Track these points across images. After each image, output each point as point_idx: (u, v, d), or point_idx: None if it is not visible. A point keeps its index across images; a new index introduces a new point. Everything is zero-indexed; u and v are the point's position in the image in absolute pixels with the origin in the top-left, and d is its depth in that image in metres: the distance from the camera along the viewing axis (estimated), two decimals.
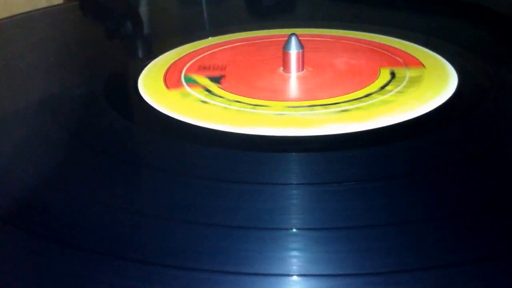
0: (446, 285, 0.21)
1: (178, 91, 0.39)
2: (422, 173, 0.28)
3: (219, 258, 0.22)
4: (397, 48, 0.47)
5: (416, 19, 0.59)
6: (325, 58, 0.45)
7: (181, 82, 0.41)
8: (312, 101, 0.37)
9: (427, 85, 0.37)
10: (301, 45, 0.42)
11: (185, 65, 0.45)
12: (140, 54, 0.53)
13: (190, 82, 0.41)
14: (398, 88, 0.36)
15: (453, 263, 0.22)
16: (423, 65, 0.39)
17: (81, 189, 0.28)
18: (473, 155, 0.30)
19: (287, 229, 0.24)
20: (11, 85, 0.43)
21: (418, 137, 0.32)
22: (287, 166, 0.30)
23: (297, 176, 0.29)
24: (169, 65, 0.45)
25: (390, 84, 0.38)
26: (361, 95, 0.37)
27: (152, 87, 0.41)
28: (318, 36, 0.51)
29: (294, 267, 0.22)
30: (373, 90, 0.37)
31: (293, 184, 0.28)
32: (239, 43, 0.50)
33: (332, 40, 0.49)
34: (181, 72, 0.43)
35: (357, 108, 0.35)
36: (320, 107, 0.36)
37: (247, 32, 0.54)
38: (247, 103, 0.37)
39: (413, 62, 0.40)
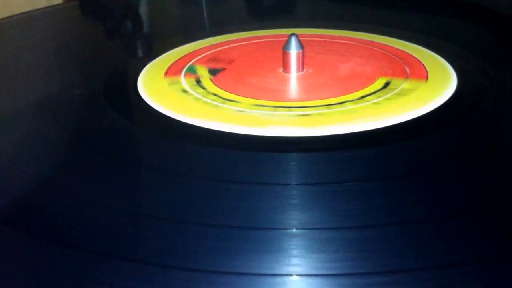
0: (446, 285, 0.21)
1: (170, 79, 0.40)
2: (422, 174, 0.28)
3: (219, 258, 0.22)
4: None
5: (416, 19, 0.59)
6: (332, 61, 0.44)
7: (181, 71, 0.42)
8: (281, 102, 0.37)
9: (413, 98, 0.35)
10: (301, 45, 0.42)
11: (197, 56, 0.46)
12: (140, 54, 0.53)
13: (190, 71, 0.42)
14: (378, 99, 0.36)
15: (453, 263, 0.22)
16: (426, 77, 0.38)
17: (81, 189, 0.28)
18: (473, 155, 0.30)
19: (287, 229, 0.24)
20: (11, 85, 0.43)
21: (418, 137, 0.32)
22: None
23: (289, 176, 0.29)
24: (182, 55, 0.46)
25: (375, 94, 0.37)
26: (336, 102, 0.36)
27: (152, 87, 0.41)
28: (330, 37, 0.51)
29: (294, 267, 0.22)
30: (352, 98, 0.37)
31: (289, 184, 0.28)
32: (252, 41, 0.50)
33: (345, 42, 0.49)
34: (189, 61, 0.44)
35: (319, 114, 0.34)
36: (285, 108, 0.36)
37: (248, 32, 0.54)
38: (221, 97, 0.38)
39: (416, 73, 0.39)
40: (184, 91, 0.38)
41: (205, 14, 0.66)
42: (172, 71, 0.42)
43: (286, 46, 0.42)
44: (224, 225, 0.24)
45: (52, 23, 0.62)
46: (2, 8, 0.71)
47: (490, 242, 0.23)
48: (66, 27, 0.61)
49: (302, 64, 0.42)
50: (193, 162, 0.31)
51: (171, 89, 0.40)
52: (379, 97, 0.36)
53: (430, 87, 0.37)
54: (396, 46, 0.47)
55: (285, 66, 0.42)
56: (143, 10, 0.68)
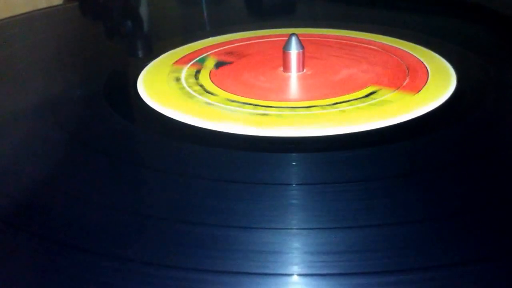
0: (447, 285, 0.21)
1: (175, 67, 0.41)
2: (421, 174, 0.28)
3: (219, 258, 0.22)
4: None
5: (416, 19, 0.59)
6: (338, 63, 0.44)
7: (190, 60, 0.44)
8: (255, 100, 0.37)
9: (385, 110, 0.34)
10: (301, 45, 0.42)
11: (217, 48, 0.48)
12: (140, 54, 0.53)
13: (199, 61, 0.44)
14: (349, 107, 0.35)
15: (452, 263, 0.22)
16: (419, 89, 0.38)
17: (81, 189, 0.28)
18: (472, 155, 0.30)
19: (287, 229, 0.24)
20: (11, 85, 0.43)
21: (417, 137, 0.32)
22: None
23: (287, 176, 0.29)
24: (205, 46, 0.49)
25: (352, 101, 0.36)
26: (306, 105, 0.36)
27: (152, 87, 0.41)
28: (348, 39, 0.50)
29: (294, 267, 0.22)
30: (322, 104, 0.36)
31: (285, 184, 0.28)
32: (271, 39, 0.51)
33: (360, 44, 0.49)
34: (206, 52, 0.46)
35: (277, 115, 0.35)
36: (252, 106, 0.36)
37: (249, 31, 0.54)
38: (203, 90, 0.39)
39: (413, 83, 0.39)
40: (177, 80, 0.40)
41: (205, 14, 0.66)
42: (184, 60, 0.43)
43: (286, 46, 0.42)
44: (224, 225, 0.24)
45: (52, 24, 0.62)
46: (2, 8, 0.71)
47: (490, 242, 0.23)
48: (66, 28, 0.61)
49: (302, 64, 0.42)
50: (193, 162, 0.31)
51: (171, 89, 0.40)
52: (353, 105, 0.35)
53: (415, 99, 0.36)
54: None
55: (285, 66, 0.42)
56: (143, 10, 0.68)
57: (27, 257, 0.23)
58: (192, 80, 0.42)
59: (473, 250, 0.22)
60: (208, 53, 0.47)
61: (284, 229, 0.24)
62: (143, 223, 0.25)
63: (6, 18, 0.61)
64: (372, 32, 0.52)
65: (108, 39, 0.58)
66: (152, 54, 0.49)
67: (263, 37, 0.52)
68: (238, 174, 0.29)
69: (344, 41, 0.48)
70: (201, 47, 0.49)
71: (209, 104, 0.37)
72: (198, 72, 0.43)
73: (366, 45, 0.48)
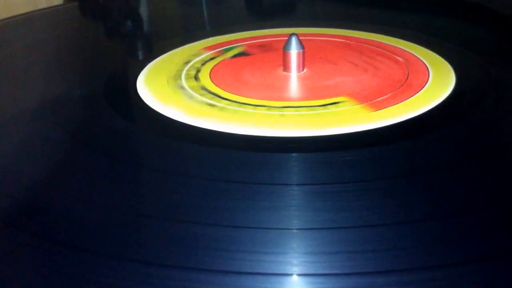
0: (446, 285, 0.21)
1: (198, 53, 0.45)
2: (420, 174, 0.28)
3: (219, 258, 0.22)
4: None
5: (416, 19, 0.59)
6: (341, 68, 0.44)
7: (219, 47, 0.46)
8: (233, 96, 0.38)
9: (323, 119, 0.34)
10: (301, 45, 0.42)
11: (256, 40, 0.49)
12: (140, 54, 0.53)
13: (225, 50, 0.46)
14: (294, 113, 0.36)
15: (452, 263, 0.22)
16: (414, 93, 0.37)
17: (81, 189, 0.28)
18: (472, 155, 0.30)
19: (287, 229, 0.24)
20: (11, 85, 0.43)
21: (417, 137, 0.32)
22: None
23: (290, 177, 0.29)
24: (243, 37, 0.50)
25: (304, 107, 0.36)
26: (280, 105, 0.37)
27: (152, 87, 0.41)
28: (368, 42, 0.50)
29: (294, 267, 0.22)
30: (277, 105, 0.37)
31: (290, 184, 0.28)
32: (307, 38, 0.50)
33: (374, 48, 0.48)
34: (240, 42, 0.48)
35: (233, 110, 0.36)
36: (227, 101, 0.38)
37: (251, 31, 0.54)
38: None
39: (401, 93, 0.38)
40: (178, 70, 0.42)
41: (205, 14, 0.66)
42: (213, 47, 0.45)
43: (286, 46, 0.42)
44: (224, 225, 0.24)
45: (52, 24, 0.62)
46: (2, 8, 0.71)
47: (490, 242, 0.23)
48: (66, 28, 0.61)
49: (302, 64, 0.42)
50: (193, 162, 0.31)
51: (171, 89, 0.40)
52: (299, 111, 0.36)
53: (372, 115, 0.35)
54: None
55: (285, 66, 0.42)
56: (143, 10, 0.68)
57: (27, 257, 0.23)
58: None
59: (473, 250, 0.22)
60: (242, 43, 0.48)
61: (284, 229, 0.24)
62: (143, 223, 0.25)
63: (6, 18, 0.61)
64: (372, 32, 0.52)
65: (108, 39, 0.58)
66: (152, 54, 0.49)
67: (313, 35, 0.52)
68: (238, 174, 0.29)
69: (366, 46, 0.48)
70: (237, 38, 0.50)
71: (209, 104, 0.37)
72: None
73: (385, 52, 0.46)
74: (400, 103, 0.36)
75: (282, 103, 0.37)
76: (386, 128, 0.33)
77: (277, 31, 0.53)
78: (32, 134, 0.35)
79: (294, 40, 0.41)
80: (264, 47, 0.48)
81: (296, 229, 0.24)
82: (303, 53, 0.42)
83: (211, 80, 0.42)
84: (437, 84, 0.39)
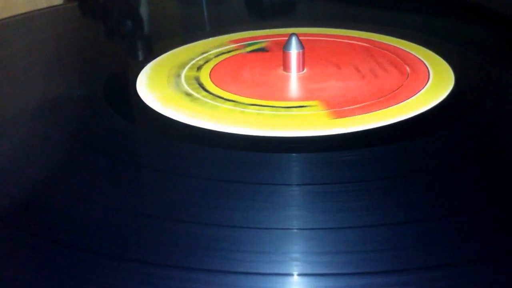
0: (446, 285, 0.21)
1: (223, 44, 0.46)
2: (420, 174, 0.28)
3: (219, 258, 0.22)
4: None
5: (416, 19, 0.59)
6: (342, 73, 0.43)
7: (242, 41, 0.48)
8: (223, 92, 0.39)
9: (272, 121, 0.35)
10: (301, 45, 0.42)
11: (280, 37, 0.49)
12: (140, 54, 0.53)
13: (248, 45, 0.48)
14: (254, 111, 0.36)
15: (452, 263, 0.22)
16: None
17: (81, 189, 0.28)
18: (472, 155, 0.30)
19: (287, 229, 0.24)
20: (11, 85, 0.43)
21: (416, 137, 0.32)
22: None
23: (292, 176, 0.29)
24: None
25: (267, 107, 0.37)
26: (268, 104, 0.37)
27: (152, 87, 0.41)
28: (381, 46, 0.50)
29: (294, 267, 0.22)
30: (247, 102, 0.37)
31: (289, 184, 0.28)
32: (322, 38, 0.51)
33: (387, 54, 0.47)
34: (265, 39, 0.49)
35: (211, 105, 0.37)
36: (213, 96, 0.39)
37: (248, 31, 0.54)
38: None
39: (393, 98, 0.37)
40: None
41: (205, 14, 0.66)
42: (238, 41, 0.45)
43: (286, 46, 0.42)
44: (224, 225, 0.24)
45: (52, 24, 0.62)
46: (2, 8, 0.71)
47: (490, 242, 0.23)
48: (66, 28, 0.61)
49: (302, 65, 0.42)
50: (193, 162, 0.31)
51: (171, 89, 0.40)
52: (262, 111, 0.36)
53: (333, 122, 0.34)
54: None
55: (285, 66, 0.42)
56: (143, 10, 0.68)
57: (27, 257, 0.23)
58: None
59: (473, 250, 0.22)
60: (266, 40, 0.48)
61: (284, 229, 0.24)
62: (143, 223, 0.25)
63: (6, 18, 0.61)
64: (372, 31, 0.52)
65: (108, 39, 0.58)
66: (152, 54, 0.49)
67: (319, 34, 0.52)
68: (238, 174, 0.29)
69: (384, 52, 0.47)
70: (264, 34, 0.51)
71: (209, 104, 0.37)
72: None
73: (398, 60, 0.45)
74: (370, 113, 0.35)
75: (259, 102, 0.38)
76: (385, 127, 0.33)
77: (278, 31, 0.53)
78: (32, 134, 0.35)
79: (294, 40, 0.41)
80: (278, 44, 0.47)
81: (296, 229, 0.24)
82: (303, 53, 0.42)
83: (211, 80, 0.42)
84: (437, 84, 0.39)
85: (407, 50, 0.46)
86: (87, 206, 0.26)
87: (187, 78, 0.42)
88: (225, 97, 0.39)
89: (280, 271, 0.22)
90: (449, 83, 0.39)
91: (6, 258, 0.23)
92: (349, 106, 0.36)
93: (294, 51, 0.42)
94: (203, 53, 0.47)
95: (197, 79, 0.42)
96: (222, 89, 0.40)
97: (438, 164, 0.29)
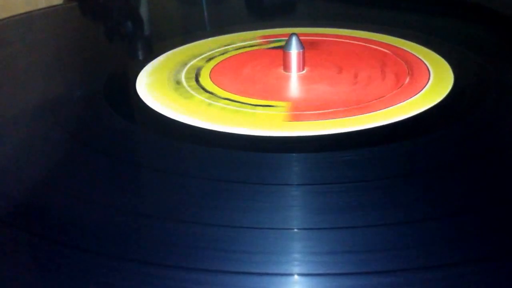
0: (446, 285, 0.21)
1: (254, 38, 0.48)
2: (420, 174, 0.28)
3: (219, 258, 0.22)
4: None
5: (416, 19, 0.59)
6: (341, 77, 0.42)
7: (272, 38, 0.49)
8: (214, 88, 0.40)
9: (229, 118, 0.35)
10: (301, 45, 0.42)
11: (308, 37, 0.50)
12: (140, 54, 0.53)
13: (275, 41, 0.49)
14: (219, 104, 0.37)
15: (452, 263, 0.22)
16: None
17: (81, 189, 0.28)
18: (472, 155, 0.30)
19: (287, 229, 0.24)
20: (11, 85, 0.43)
21: (416, 137, 0.32)
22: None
23: (294, 176, 0.29)
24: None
25: (235, 102, 0.38)
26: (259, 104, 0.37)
27: (152, 87, 0.41)
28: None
29: (294, 267, 0.22)
30: (248, 102, 0.38)
31: (289, 185, 0.28)
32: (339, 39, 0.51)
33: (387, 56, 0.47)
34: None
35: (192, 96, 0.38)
36: (202, 92, 0.40)
37: (249, 31, 0.54)
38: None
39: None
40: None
41: (205, 14, 0.66)
42: (268, 37, 0.45)
43: (286, 46, 0.42)
44: (224, 225, 0.24)
45: (52, 24, 0.62)
46: (2, 8, 0.71)
47: (490, 242, 0.23)
48: (66, 28, 0.61)
49: (302, 65, 0.42)
50: (193, 162, 0.31)
51: (171, 89, 0.40)
52: (227, 105, 0.37)
53: (287, 125, 0.34)
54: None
55: (285, 66, 0.42)
56: (143, 10, 0.68)
57: (27, 257, 0.23)
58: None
59: (473, 250, 0.22)
60: (283, 39, 0.48)
61: (284, 229, 0.24)
62: (143, 223, 0.25)
63: (6, 18, 0.61)
64: (372, 31, 0.52)
65: (108, 39, 0.58)
66: (152, 54, 0.49)
67: (344, 36, 0.52)
68: (238, 174, 0.29)
69: (397, 61, 0.45)
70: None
71: (209, 104, 0.37)
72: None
73: (405, 68, 0.43)
74: (329, 120, 0.35)
75: (234, 97, 0.38)
76: (385, 127, 0.33)
77: (278, 31, 0.53)
78: (32, 134, 0.35)
79: (294, 40, 0.41)
80: (311, 45, 0.48)
81: (296, 229, 0.24)
82: (303, 53, 0.42)
83: (211, 80, 0.42)
84: (437, 84, 0.39)
85: (407, 50, 0.46)
86: (87, 206, 0.26)
87: (187, 78, 0.42)
88: (225, 97, 0.39)
89: (280, 271, 0.22)
90: (449, 83, 0.39)
91: (6, 258, 0.23)
92: (313, 111, 0.36)
93: (294, 51, 0.42)
94: (203, 53, 0.47)
95: (197, 79, 0.42)
96: (222, 88, 0.40)
97: (438, 164, 0.29)
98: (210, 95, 0.39)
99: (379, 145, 0.31)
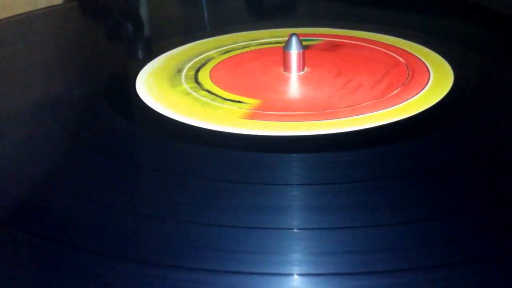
0: (446, 285, 0.21)
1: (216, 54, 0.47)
2: (420, 174, 0.28)
3: (219, 258, 0.22)
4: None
5: (416, 19, 0.59)
6: (337, 81, 0.42)
7: (304, 36, 0.47)
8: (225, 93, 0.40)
9: (210, 114, 0.36)
10: (301, 45, 0.42)
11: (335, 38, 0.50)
12: (140, 54, 0.53)
13: (307, 40, 0.48)
14: (206, 100, 0.38)
15: (452, 263, 0.22)
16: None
17: (81, 189, 0.28)
18: (472, 155, 0.30)
19: (287, 229, 0.24)
20: (11, 86, 0.43)
21: (416, 137, 0.32)
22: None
23: (295, 176, 0.29)
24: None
25: (217, 97, 0.39)
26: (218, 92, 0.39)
27: (152, 87, 0.41)
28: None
29: (294, 267, 0.22)
30: (222, 96, 0.39)
31: (289, 185, 0.28)
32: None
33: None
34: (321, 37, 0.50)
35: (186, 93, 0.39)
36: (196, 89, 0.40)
37: (249, 31, 0.54)
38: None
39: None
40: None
41: (205, 14, 0.66)
42: (302, 35, 0.44)
43: (286, 46, 0.42)
44: (224, 225, 0.24)
45: (52, 24, 0.62)
46: (2, 8, 0.71)
47: (490, 242, 0.23)
48: (66, 28, 0.61)
49: (302, 65, 0.42)
50: (193, 162, 0.31)
51: (170, 89, 0.40)
52: (214, 101, 0.38)
53: (235, 121, 0.35)
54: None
55: (285, 66, 0.42)
56: (143, 10, 0.68)
57: (27, 257, 0.23)
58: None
59: (473, 250, 0.22)
60: (321, 39, 0.49)
61: (284, 229, 0.24)
62: (143, 223, 0.25)
63: (6, 18, 0.61)
64: (372, 31, 0.52)
65: (108, 39, 0.58)
66: (152, 54, 0.49)
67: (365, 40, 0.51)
68: (238, 174, 0.29)
69: (401, 69, 0.44)
70: (324, 33, 0.52)
71: (209, 103, 0.37)
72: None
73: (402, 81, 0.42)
74: (287, 122, 0.35)
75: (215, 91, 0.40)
76: (385, 127, 0.33)
77: (278, 31, 0.53)
78: (32, 134, 0.35)
79: (294, 40, 0.41)
80: (334, 46, 0.48)
81: (296, 229, 0.24)
82: (303, 53, 0.42)
83: (211, 80, 0.42)
84: (437, 84, 0.39)
85: (407, 50, 0.46)
86: (87, 206, 0.26)
87: (187, 78, 0.42)
88: (225, 96, 0.39)
89: (280, 271, 0.22)
90: (449, 83, 0.39)
91: (6, 258, 0.23)
92: (274, 112, 0.36)
93: (294, 51, 0.42)
94: (203, 53, 0.47)
95: (197, 79, 0.42)
96: (221, 88, 0.40)
97: (438, 164, 0.29)
98: (209, 93, 0.39)
99: (378, 145, 0.31)
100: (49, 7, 0.71)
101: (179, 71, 0.44)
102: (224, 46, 0.49)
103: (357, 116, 0.35)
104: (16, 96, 0.41)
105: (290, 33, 0.42)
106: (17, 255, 0.24)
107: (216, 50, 0.48)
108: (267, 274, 0.22)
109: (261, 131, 0.33)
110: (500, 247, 0.23)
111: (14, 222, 0.26)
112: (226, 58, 0.47)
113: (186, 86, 0.41)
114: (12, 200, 0.27)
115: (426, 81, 0.40)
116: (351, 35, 0.51)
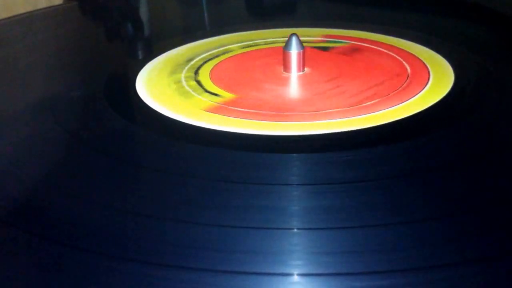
0: (446, 285, 0.21)
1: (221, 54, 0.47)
2: (420, 174, 0.28)
3: (219, 258, 0.22)
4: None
5: (416, 18, 0.59)
6: (337, 82, 0.41)
7: (325, 38, 0.48)
8: (219, 91, 0.40)
9: (191, 111, 0.36)
10: (301, 45, 0.42)
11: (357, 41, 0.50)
12: (140, 54, 0.53)
13: (328, 41, 0.49)
14: (192, 92, 0.39)
15: (452, 263, 0.22)
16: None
17: (81, 189, 0.28)
18: (472, 155, 0.30)
19: (287, 229, 0.24)
20: (11, 85, 0.43)
21: (416, 137, 0.32)
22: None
23: (296, 176, 0.29)
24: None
25: (206, 93, 0.40)
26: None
27: (152, 87, 0.41)
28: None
29: (294, 267, 0.22)
30: (206, 88, 0.40)
31: (290, 184, 0.28)
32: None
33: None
34: (342, 39, 0.50)
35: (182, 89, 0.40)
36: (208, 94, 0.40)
37: (249, 31, 0.54)
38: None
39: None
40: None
41: (205, 14, 0.66)
42: (329, 36, 0.46)
43: (286, 46, 0.42)
44: (224, 225, 0.24)
45: (52, 24, 0.62)
46: (2, 8, 0.71)
47: (490, 242, 0.23)
48: (66, 28, 0.61)
49: (302, 65, 0.42)
50: (193, 162, 0.31)
51: (171, 89, 0.40)
52: (195, 91, 0.40)
53: (198, 114, 0.36)
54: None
55: (285, 66, 0.42)
56: (143, 10, 0.68)
57: (27, 257, 0.23)
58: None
59: (473, 250, 0.22)
60: (343, 41, 0.49)
61: (284, 229, 0.24)
62: (143, 223, 0.25)
63: (6, 18, 0.61)
64: (372, 31, 0.52)
65: (108, 39, 0.58)
66: (152, 54, 0.49)
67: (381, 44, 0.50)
68: (238, 174, 0.29)
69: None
70: (343, 34, 0.52)
71: (208, 103, 0.37)
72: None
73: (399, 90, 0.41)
74: (249, 120, 0.35)
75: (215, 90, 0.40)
76: (384, 126, 0.33)
77: (279, 31, 0.53)
78: (32, 134, 0.35)
79: (294, 40, 0.41)
80: (351, 50, 0.47)
81: (296, 229, 0.24)
82: (303, 53, 0.42)
83: (211, 80, 0.42)
84: (437, 84, 0.39)
85: (407, 50, 0.46)
86: (87, 206, 0.26)
87: (187, 78, 0.42)
88: (225, 96, 0.39)
89: (280, 271, 0.22)
90: (449, 82, 0.39)
91: (6, 258, 0.23)
92: (240, 108, 0.37)
93: (294, 51, 0.42)
94: (203, 53, 0.47)
95: (197, 79, 0.42)
96: (221, 88, 0.40)
97: (438, 164, 0.29)
98: (209, 94, 0.39)
99: (378, 145, 0.31)
100: (49, 7, 0.71)
101: (179, 71, 0.44)
102: (224, 46, 0.49)
103: (312, 122, 0.34)
104: (16, 96, 0.41)
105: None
106: (17, 255, 0.24)
107: (216, 50, 0.48)
108: (267, 274, 0.22)
109: (212, 125, 0.34)
110: (500, 247, 0.23)
111: (14, 222, 0.26)
112: (228, 58, 0.47)
113: (186, 86, 0.41)
114: (12, 200, 0.27)
115: (426, 81, 0.40)
116: (351, 35, 0.51)
